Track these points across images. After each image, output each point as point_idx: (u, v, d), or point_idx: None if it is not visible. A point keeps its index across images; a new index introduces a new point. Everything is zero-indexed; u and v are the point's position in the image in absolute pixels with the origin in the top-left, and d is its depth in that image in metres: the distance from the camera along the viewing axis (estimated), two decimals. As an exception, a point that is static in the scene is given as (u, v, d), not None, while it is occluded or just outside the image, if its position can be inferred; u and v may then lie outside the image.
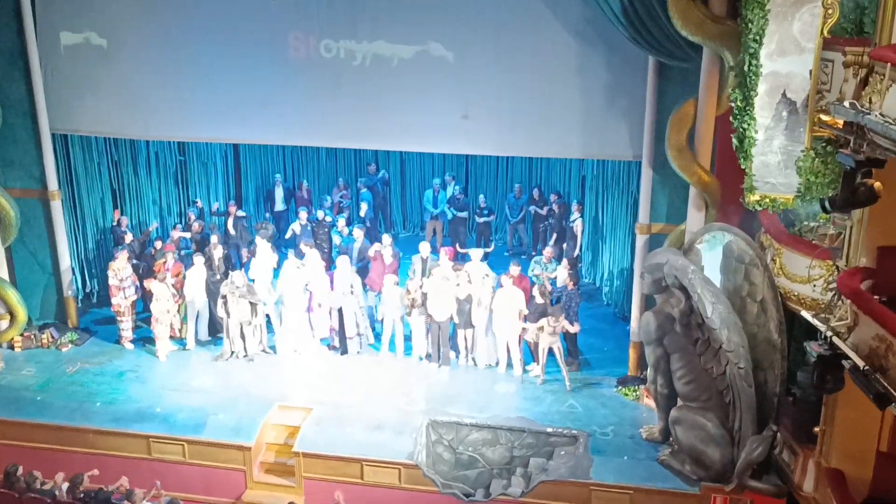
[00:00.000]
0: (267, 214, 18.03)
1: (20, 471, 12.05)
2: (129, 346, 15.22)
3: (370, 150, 18.64)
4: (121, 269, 14.87)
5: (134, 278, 15.05)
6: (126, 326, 15.21)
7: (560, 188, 18.01)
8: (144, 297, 15.39)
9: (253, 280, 14.74)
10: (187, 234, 16.17)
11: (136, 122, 14.79)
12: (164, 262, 15.01)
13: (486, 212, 17.69)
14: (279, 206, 18.47)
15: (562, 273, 14.18)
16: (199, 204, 17.47)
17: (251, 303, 14.29)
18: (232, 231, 16.69)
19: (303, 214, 16.83)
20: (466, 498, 12.03)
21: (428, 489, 12.05)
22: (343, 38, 13.57)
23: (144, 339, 15.36)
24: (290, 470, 12.70)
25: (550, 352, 13.57)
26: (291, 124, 14.33)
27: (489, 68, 13.27)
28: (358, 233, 15.70)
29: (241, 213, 17.06)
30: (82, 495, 11.59)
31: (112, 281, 14.83)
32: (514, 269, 14.03)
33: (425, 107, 13.61)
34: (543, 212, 17.56)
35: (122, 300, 14.95)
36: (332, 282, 14.59)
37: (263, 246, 14.99)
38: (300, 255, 14.96)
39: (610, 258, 15.99)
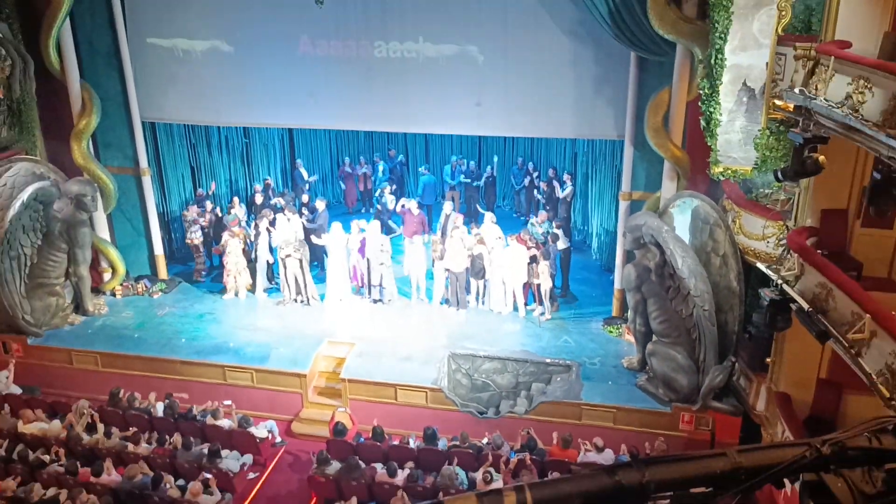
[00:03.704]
0: (276, 200, 15.65)
1: (122, 393, 12.01)
2: (201, 278, 15.32)
3: (399, 133, 18.01)
4: (194, 214, 15.09)
5: (204, 220, 15.08)
6: (200, 261, 15.28)
7: (556, 163, 17.35)
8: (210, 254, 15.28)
9: (311, 242, 14.24)
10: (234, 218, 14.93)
11: (209, 111, 14.54)
12: (237, 221, 14.58)
13: (491, 179, 17.24)
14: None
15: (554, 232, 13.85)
16: (270, 182, 16.64)
17: (300, 259, 14.01)
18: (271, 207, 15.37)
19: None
20: (480, 415, 11.82)
21: (449, 408, 11.88)
22: (377, 40, 13.08)
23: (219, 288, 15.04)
24: (337, 393, 12.49)
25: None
26: (334, 111, 13.99)
27: (498, 63, 12.80)
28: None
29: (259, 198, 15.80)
30: (176, 416, 11.49)
31: (190, 221, 14.85)
32: (524, 233, 13.78)
33: (445, 94, 13.18)
34: (532, 182, 16.94)
35: (197, 237, 15.00)
36: (363, 243, 14.04)
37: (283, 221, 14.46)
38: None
39: (598, 220, 15.49)
